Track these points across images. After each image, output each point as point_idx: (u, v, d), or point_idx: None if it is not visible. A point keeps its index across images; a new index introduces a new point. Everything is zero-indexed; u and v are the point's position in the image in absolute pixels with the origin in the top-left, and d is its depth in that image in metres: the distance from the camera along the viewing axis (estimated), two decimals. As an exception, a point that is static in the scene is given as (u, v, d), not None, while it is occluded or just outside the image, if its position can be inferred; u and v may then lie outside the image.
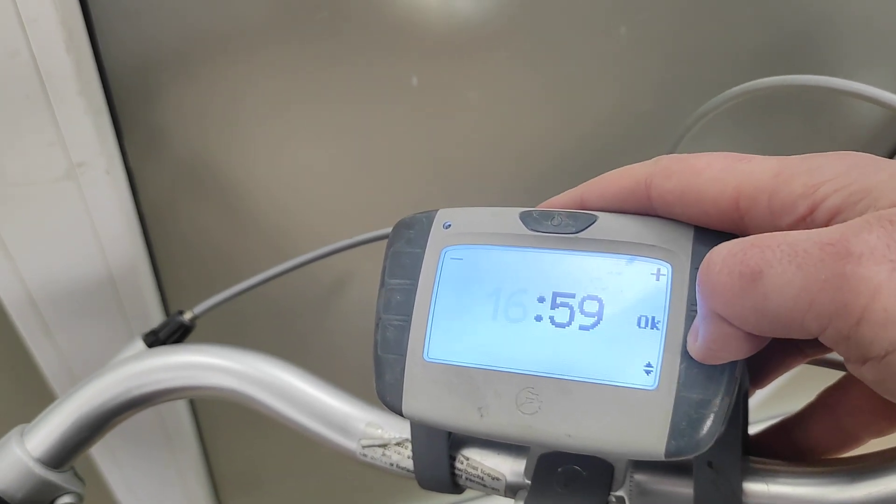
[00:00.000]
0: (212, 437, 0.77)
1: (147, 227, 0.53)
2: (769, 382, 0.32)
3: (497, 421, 0.27)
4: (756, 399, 0.97)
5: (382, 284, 0.30)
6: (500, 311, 0.28)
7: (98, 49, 0.44)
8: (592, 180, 0.28)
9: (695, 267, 0.26)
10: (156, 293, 0.57)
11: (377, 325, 0.29)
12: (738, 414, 0.28)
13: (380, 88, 0.51)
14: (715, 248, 0.22)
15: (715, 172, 0.24)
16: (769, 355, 0.31)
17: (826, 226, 0.21)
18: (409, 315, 0.29)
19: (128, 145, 0.49)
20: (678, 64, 0.58)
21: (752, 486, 0.29)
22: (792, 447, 0.31)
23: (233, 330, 0.61)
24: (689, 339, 0.25)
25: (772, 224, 0.23)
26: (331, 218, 0.58)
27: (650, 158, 0.27)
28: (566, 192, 0.29)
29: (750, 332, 0.22)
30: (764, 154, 0.24)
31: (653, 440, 0.25)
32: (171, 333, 0.41)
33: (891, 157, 0.71)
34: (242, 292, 0.41)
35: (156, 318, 0.56)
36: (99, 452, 0.68)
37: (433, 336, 0.29)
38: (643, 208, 0.27)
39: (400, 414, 0.28)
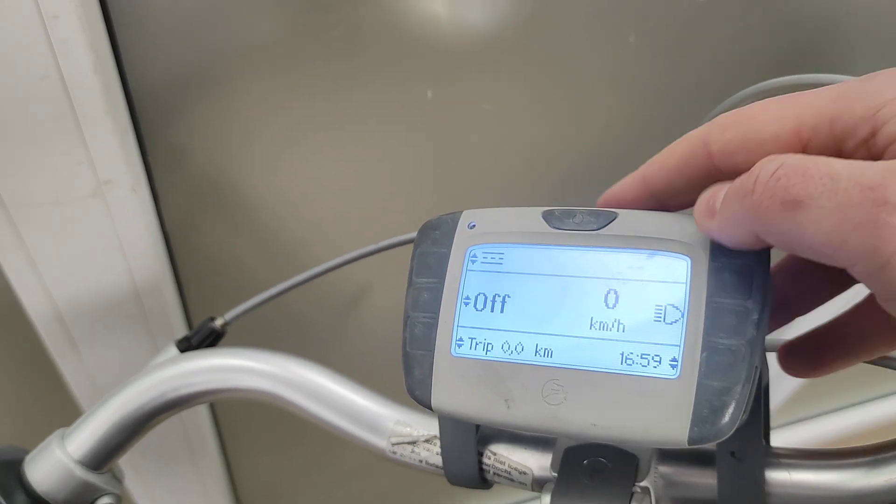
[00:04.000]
0: (234, 449, 0.78)
1: (171, 242, 0.55)
2: (801, 314, 0.31)
3: (524, 412, 0.28)
4: (777, 399, 0.96)
5: (410, 283, 0.31)
6: (522, 306, 0.29)
7: (123, 69, 0.46)
8: (651, 159, 0.28)
9: (713, 259, 0.27)
10: (179, 307, 0.58)
11: (405, 322, 0.30)
12: (760, 404, 0.29)
13: (395, 102, 0.53)
14: (763, 159, 0.22)
15: (771, 112, 0.24)
16: (799, 287, 0.31)
17: (886, 150, 0.21)
18: (437, 312, 0.30)
19: (152, 163, 0.50)
20: (688, 68, 0.59)
21: (775, 475, 0.29)
22: (840, 345, 0.30)
23: (258, 338, 0.62)
24: (703, 213, 0.25)
25: (836, 150, 0.23)
26: (349, 230, 0.59)
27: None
28: (626, 177, 0.29)
29: (778, 248, 0.23)
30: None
31: (676, 428, 0.26)
32: (204, 339, 0.43)
33: None
34: (271, 298, 0.43)
35: (179, 331, 0.57)
36: (122, 462, 0.69)
37: (460, 332, 0.29)
38: (704, 170, 0.26)
39: (429, 408, 0.29)
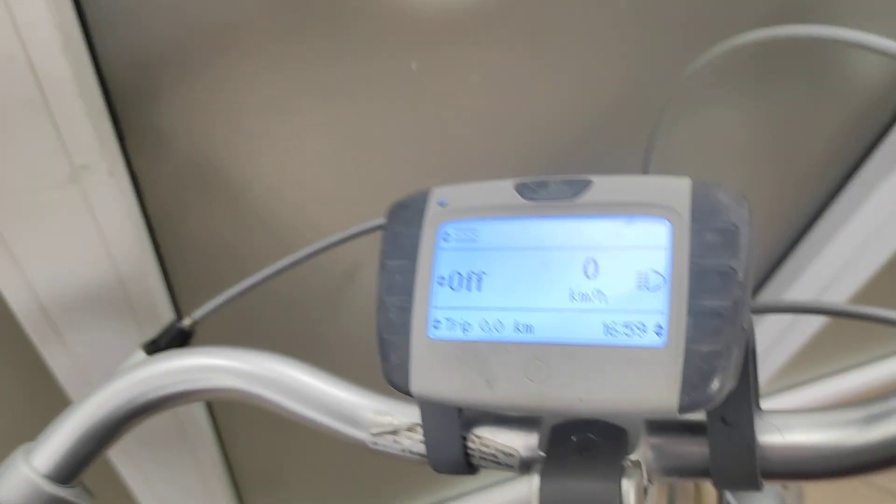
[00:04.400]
0: (231, 437, 0.76)
1: (154, 228, 0.53)
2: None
3: (507, 391, 0.27)
4: (770, 367, 0.96)
5: (382, 267, 0.30)
6: (499, 282, 0.28)
7: (95, 50, 0.44)
8: None
9: (695, 221, 0.26)
10: (166, 294, 0.56)
11: (378, 307, 0.29)
12: (748, 367, 0.28)
13: (380, 77, 0.51)
14: None
15: None
16: None
17: None
18: (411, 295, 0.29)
19: (130, 147, 0.48)
20: (674, 27, 0.57)
21: (767, 438, 0.29)
22: None
23: (244, 327, 0.61)
24: None
25: None
26: (338, 209, 0.58)
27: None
28: None
29: None
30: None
31: (666, 396, 0.25)
32: (172, 340, 0.41)
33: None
34: (242, 293, 0.41)
35: (167, 318, 0.55)
36: (120, 459, 0.67)
37: (436, 314, 0.28)
38: None
39: (408, 394, 0.28)
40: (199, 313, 0.41)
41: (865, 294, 0.88)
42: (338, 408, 0.34)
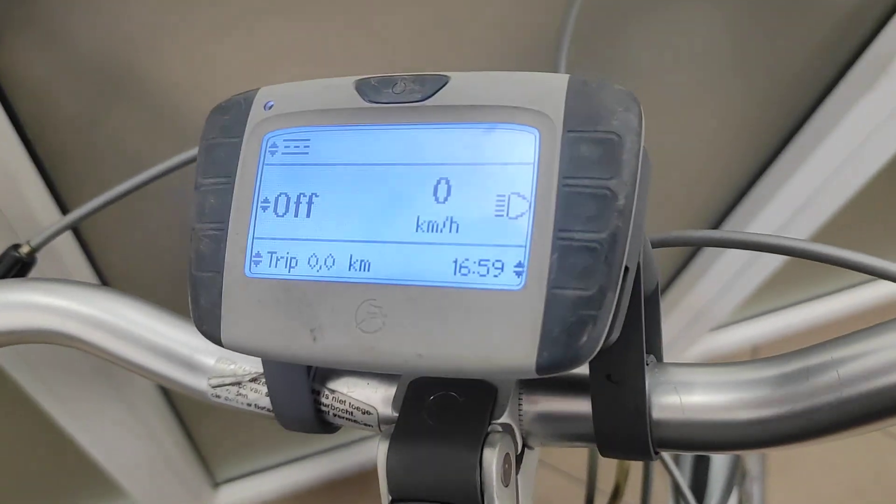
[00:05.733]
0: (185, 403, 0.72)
1: (20, 119, 0.46)
2: None
3: (333, 344, 0.21)
4: (746, 289, 0.90)
5: (196, 187, 0.24)
6: (333, 207, 0.22)
7: None
8: None
9: (569, 129, 0.20)
10: (46, 193, 0.50)
11: (191, 237, 0.24)
12: (639, 313, 0.23)
13: None
14: None
15: None
16: None
17: None
18: (226, 222, 0.23)
19: None
20: None
21: (663, 399, 0.24)
22: None
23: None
24: None
25: None
26: None
27: None
28: None
29: None
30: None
31: (520, 353, 0.20)
32: (6, 272, 0.35)
33: (866, 42, 0.64)
34: (87, 215, 0.35)
35: (48, 220, 0.48)
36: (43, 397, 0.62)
37: (255, 245, 0.23)
38: None
39: (220, 344, 0.23)
40: (39, 238, 0.35)
41: (830, 230, 0.83)
42: (174, 351, 0.29)
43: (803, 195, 0.75)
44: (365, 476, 0.96)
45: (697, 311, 0.95)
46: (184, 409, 0.77)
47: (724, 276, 0.89)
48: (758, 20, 0.60)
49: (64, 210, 0.52)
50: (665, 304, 0.95)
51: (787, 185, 0.74)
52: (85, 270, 0.55)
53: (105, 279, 0.58)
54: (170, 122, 0.50)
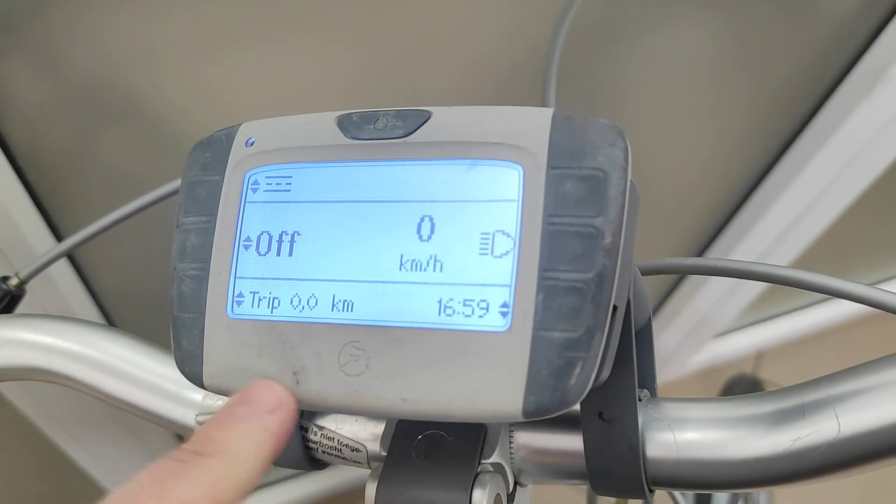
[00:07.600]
0: None
1: (11, 149, 0.46)
2: None
3: (317, 387, 0.21)
4: (749, 295, 0.89)
5: (176, 226, 0.23)
6: (315, 246, 0.22)
7: None
8: None
9: (553, 165, 0.20)
10: (40, 220, 0.49)
11: (172, 278, 0.23)
12: (630, 348, 0.22)
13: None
14: None
15: None
16: None
17: None
18: (207, 261, 0.23)
19: None
20: None
21: (657, 436, 0.23)
22: None
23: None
24: None
25: None
26: None
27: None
28: None
29: None
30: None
31: (506, 397, 0.19)
32: (-4, 305, 0.35)
33: (868, 44, 0.63)
34: (79, 245, 0.35)
35: (42, 248, 0.48)
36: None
37: (237, 286, 0.22)
38: None
39: (202, 386, 0.22)
40: (27, 270, 0.34)
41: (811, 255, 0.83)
42: (161, 387, 0.28)
43: (798, 209, 0.74)
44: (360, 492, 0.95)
45: (700, 318, 0.94)
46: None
47: (727, 281, 0.88)
48: (743, 46, 0.59)
49: (58, 236, 0.51)
50: (667, 311, 0.94)
51: (777, 202, 0.73)
52: (81, 296, 0.55)
53: (102, 304, 0.58)
54: (164, 146, 0.49)
